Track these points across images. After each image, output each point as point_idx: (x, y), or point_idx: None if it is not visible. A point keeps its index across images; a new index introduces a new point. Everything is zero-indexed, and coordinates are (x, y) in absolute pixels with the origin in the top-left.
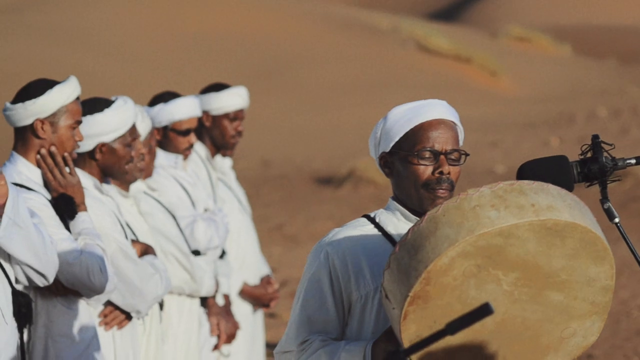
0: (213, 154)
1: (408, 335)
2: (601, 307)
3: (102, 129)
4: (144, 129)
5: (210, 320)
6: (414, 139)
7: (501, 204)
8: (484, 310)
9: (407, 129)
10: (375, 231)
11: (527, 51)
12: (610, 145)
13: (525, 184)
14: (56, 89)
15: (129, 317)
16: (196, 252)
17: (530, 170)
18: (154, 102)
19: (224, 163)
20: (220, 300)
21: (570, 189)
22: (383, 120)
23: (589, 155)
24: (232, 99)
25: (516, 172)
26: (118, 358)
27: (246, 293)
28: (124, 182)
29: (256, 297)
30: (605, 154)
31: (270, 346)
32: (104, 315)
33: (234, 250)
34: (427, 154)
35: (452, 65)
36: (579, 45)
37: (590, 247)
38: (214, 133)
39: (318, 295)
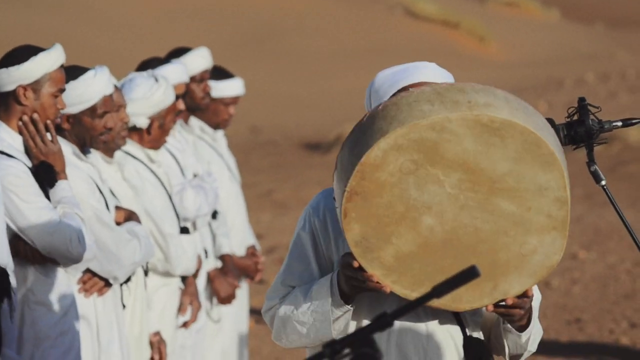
0: (186, 119)
1: (352, 236)
2: (559, 221)
3: (67, 100)
4: (170, 99)
5: (182, 299)
6: None
7: (437, 99)
8: (470, 273)
9: (392, 92)
10: None
11: (515, 16)
12: (597, 107)
13: (469, 84)
14: (40, 55)
15: (108, 283)
16: (184, 230)
17: None
18: (141, 68)
19: (216, 131)
20: (203, 272)
21: None
22: (371, 84)
23: (575, 117)
24: (195, 61)
25: None
26: (100, 325)
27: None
28: (106, 151)
29: (242, 268)
30: (591, 116)
31: (257, 312)
32: (82, 282)
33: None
34: None
35: (440, 30)
36: (567, 10)
37: (534, 151)
38: (185, 98)
39: (301, 257)
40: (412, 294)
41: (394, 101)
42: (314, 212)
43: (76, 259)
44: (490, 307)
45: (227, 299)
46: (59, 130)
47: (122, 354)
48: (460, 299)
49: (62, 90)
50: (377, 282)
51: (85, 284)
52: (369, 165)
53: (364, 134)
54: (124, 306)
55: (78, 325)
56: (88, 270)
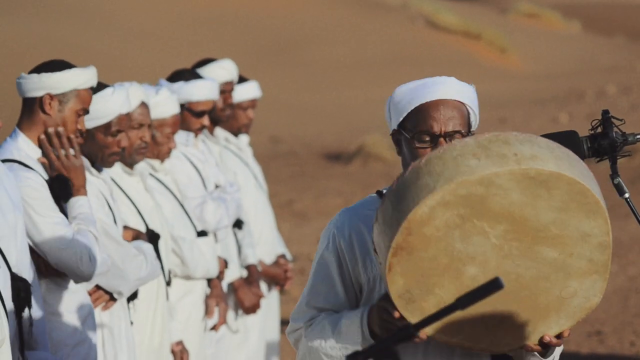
0: (211, 130)
1: (396, 289)
2: (600, 265)
3: None
4: (167, 112)
5: (207, 302)
6: (414, 120)
7: (483, 153)
8: (494, 284)
9: (409, 110)
10: None
11: (536, 28)
12: (621, 120)
13: (512, 135)
14: (74, 70)
15: (112, 298)
16: (201, 233)
17: None
18: (174, 78)
19: (241, 140)
20: (225, 282)
21: None
22: (390, 98)
23: (599, 130)
24: (217, 73)
25: None
26: (106, 338)
27: (261, 272)
28: (127, 164)
29: (271, 276)
30: (615, 129)
31: (282, 323)
32: (88, 294)
33: (250, 227)
34: (426, 137)
35: (461, 41)
36: (589, 22)
37: (580, 200)
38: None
39: (327, 279)
40: (452, 340)
41: (437, 155)
42: (339, 232)
43: (86, 277)
44: (529, 348)
45: (251, 309)
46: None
47: None
48: (499, 343)
49: (86, 112)
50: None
51: (91, 296)
52: (416, 221)
53: (409, 189)
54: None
55: (95, 335)
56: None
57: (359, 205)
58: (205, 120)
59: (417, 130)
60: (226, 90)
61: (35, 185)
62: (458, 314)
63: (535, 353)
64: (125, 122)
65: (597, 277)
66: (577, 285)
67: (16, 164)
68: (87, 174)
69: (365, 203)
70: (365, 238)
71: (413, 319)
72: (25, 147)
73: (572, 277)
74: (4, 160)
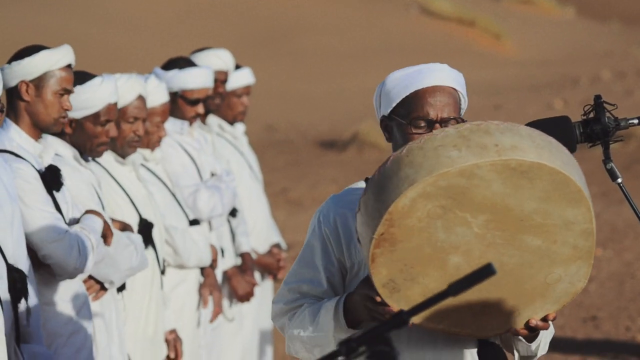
0: (203, 118)
1: (380, 279)
2: (585, 251)
3: (72, 104)
4: (156, 101)
5: (201, 292)
6: (409, 106)
7: (463, 144)
8: (486, 270)
9: (403, 96)
10: None
11: (530, 14)
12: (613, 105)
13: (494, 124)
14: (43, 52)
15: (103, 287)
16: (194, 222)
17: None
18: (168, 66)
19: (237, 128)
20: (219, 271)
21: (572, 149)
22: (381, 84)
23: (591, 115)
24: (210, 60)
25: None
26: (97, 327)
27: (255, 261)
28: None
29: (264, 265)
30: (607, 114)
31: None
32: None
33: (244, 216)
34: (422, 123)
35: (455, 28)
36: (583, 8)
37: (562, 189)
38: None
39: (310, 264)
40: (439, 326)
41: (418, 145)
42: (324, 218)
43: (71, 273)
44: (514, 331)
45: (244, 297)
46: (61, 134)
47: (122, 356)
48: (485, 328)
49: (69, 91)
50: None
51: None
52: (397, 213)
53: (390, 180)
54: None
55: (91, 324)
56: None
57: (346, 191)
58: (200, 109)
59: (413, 116)
60: (218, 79)
61: (27, 177)
62: (447, 306)
63: (521, 337)
64: (113, 111)
65: (581, 263)
66: (561, 271)
67: (8, 154)
68: (76, 164)
69: (352, 189)
70: (349, 224)
71: (398, 307)
72: (17, 137)
73: (556, 263)
74: None
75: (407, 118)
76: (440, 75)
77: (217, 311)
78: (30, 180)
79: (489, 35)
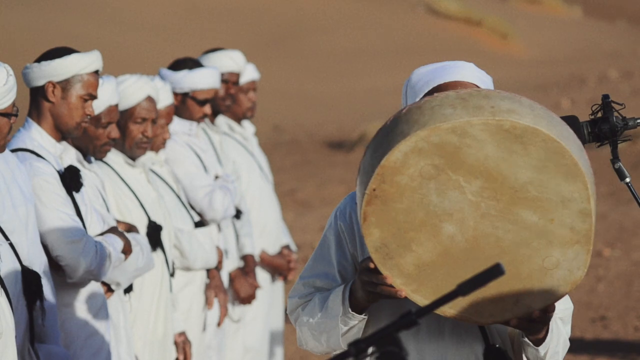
0: (212, 119)
1: (372, 241)
2: (582, 235)
3: None
4: (161, 103)
5: (206, 293)
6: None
7: (460, 104)
8: (495, 270)
9: (427, 90)
10: None
11: (537, 13)
12: (621, 104)
13: (496, 91)
14: (74, 55)
15: (110, 289)
16: (199, 224)
17: None
18: (176, 67)
19: (247, 129)
20: (224, 272)
21: None
22: (408, 80)
23: (599, 115)
24: (222, 61)
25: None
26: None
27: (265, 262)
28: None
29: (275, 266)
30: (615, 113)
31: (286, 312)
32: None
33: (254, 217)
34: None
35: (463, 28)
36: (590, 7)
37: (557, 160)
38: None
39: (325, 259)
40: (450, 311)
41: (417, 105)
42: (341, 214)
43: (81, 276)
44: (515, 322)
45: (246, 299)
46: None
47: (129, 357)
48: (482, 313)
49: (93, 97)
50: (391, 286)
51: None
52: (389, 168)
53: (386, 137)
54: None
55: (108, 327)
56: None
57: None
58: (208, 109)
59: None
60: (230, 80)
61: (46, 177)
62: (436, 275)
63: (530, 342)
64: (114, 113)
65: (579, 249)
66: (559, 255)
67: (29, 154)
68: (79, 166)
69: None
70: None
71: (391, 276)
72: (38, 137)
73: (553, 245)
74: (17, 150)
75: None
76: (463, 71)
77: (224, 313)
78: (50, 180)
79: (496, 34)
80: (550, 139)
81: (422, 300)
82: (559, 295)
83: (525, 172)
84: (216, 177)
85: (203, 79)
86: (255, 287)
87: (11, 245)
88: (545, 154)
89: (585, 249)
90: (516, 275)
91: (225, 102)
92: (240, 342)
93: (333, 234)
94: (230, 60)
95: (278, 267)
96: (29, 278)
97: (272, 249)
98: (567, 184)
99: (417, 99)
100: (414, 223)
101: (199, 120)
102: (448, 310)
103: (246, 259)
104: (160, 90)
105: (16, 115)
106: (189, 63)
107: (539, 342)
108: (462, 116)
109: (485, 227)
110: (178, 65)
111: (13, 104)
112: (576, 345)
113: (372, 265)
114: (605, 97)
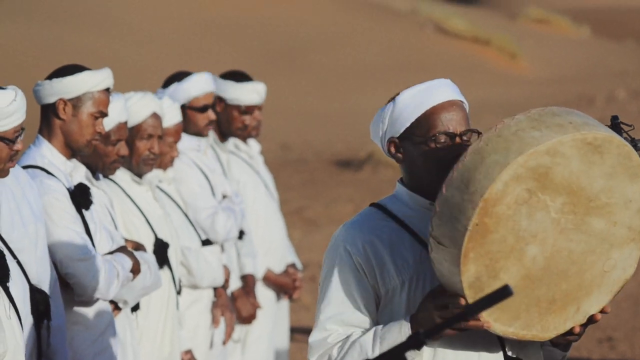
0: (220, 139)
1: (468, 277)
2: (637, 232)
3: None
4: (169, 121)
5: (213, 312)
6: (427, 123)
7: (541, 125)
8: (504, 292)
9: (418, 114)
10: (388, 221)
11: (546, 33)
12: (630, 126)
13: (554, 107)
14: (85, 73)
15: (117, 307)
16: (206, 242)
17: None
18: (167, 83)
19: (253, 147)
20: (230, 290)
21: None
22: (392, 105)
23: None
24: (249, 95)
25: None
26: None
27: (270, 280)
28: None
29: (280, 285)
30: (624, 134)
31: (292, 330)
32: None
33: (260, 236)
34: (442, 138)
35: (471, 47)
36: (598, 27)
37: (626, 163)
38: (222, 119)
39: (346, 296)
40: (509, 330)
41: (495, 134)
42: (353, 248)
43: (91, 295)
44: (578, 329)
45: (247, 319)
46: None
47: None
48: (548, 327)
49: (104, 114)
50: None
51: None
52: (492, 200)
53: (476, 170)
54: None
55: (116, 344)
56: None
57: (362, 219)
58: (211, 115)
59: (433, 133)
60: (248, 112)
61: (57, 195)
62: (516, 300)
63: (555, 348)
64: (124, 130)
65: (633, 246)
66: (617, 256)
67: (39, 171)
68: (88, 184)
69: (366, 216)
70: (379, 250)
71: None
72: (48, 154)
73: (614, 247)
74: (28, 167)
75: (426, 136)
76: (449, 90)
77: (229, 332)
78: (60, 198)
79: (504, 54)
80: (622, 144)
81: (501, 328)
82: (612, 295)
83: (599, 181)
84: (224, 197)
85: (195, 85)
86: (256, 307)
87: (19, 263)
88: (617, 159)
89: (638, 245)
90: (581, 284)
91: (241, 131)
92: None
93: (350, 271)
94: (256, 95)
95: (283, 286)
96: (37, 297)
97: (278, 267)
98: (631, 185)
99: (409, 123)
100: (505, 251)
101: (205, 128)
102: (520, 332)
103: (246, 278)
104: (168, 108)
105: (14, 142)
106: (178, 76)
107: (568, 347)
108: (551, 136)
109: (562, 242)
110: (168, 81)
111: (17, 130)
112: None
113: (463, 302)
114: (615, 118)
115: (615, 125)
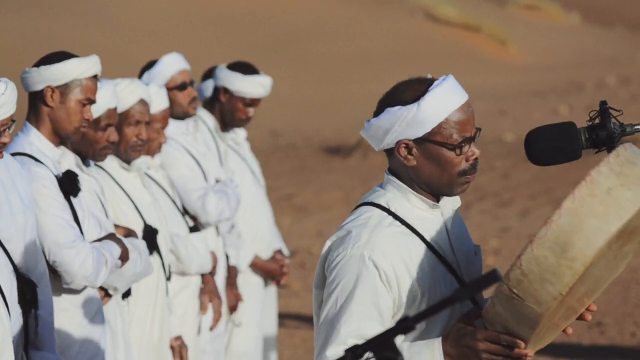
0: (222, 128)
1: (538, 330)
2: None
3: None
4: (156, 107)
5: (201, 298)
6: (449, 127)
7: (628, 181)
8: (492, 277)
9: (448, 112)
10: (399, 227)
11: (536, 20)
12: (619, 111)
13: (625, 149)
14: (73, 60)
15: (108, 294)
16: (193, 228)
17: (539, 137)
18: (140, 75)
19: (239, 134)
20: (220, 276)
21: (578, 155)
22: (408, 107)
23: (597, 121)
24: (255, 88)
25: (524, 139)
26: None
27: (258, 266)
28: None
29: (268, 271)
30: (613, 120)
31: (280, 316)
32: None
33: (247, 222)
34: (464, 143)
35: (461, 34)
36: (588, 13)
37: None
38: (225, 109)
39: (372, 308)
40: (537, 347)
41: (587, 193)
42: (380, 259)
43: (79, 283)
44: (588, 317)
45: (230, 310)
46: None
47: None
48: (560, 327)
49: (92, 101)
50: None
51: None
52: (589, 266)
53: (575, 234)
54: None
55: (104, 331)
56: None
57: (376, 225)
58: (192, 91)
59: (457, 140)
60: (253, 104)
61: (44, 182)
62: (545, 329)
63: None
64: (113, 116)
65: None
66: (623, 265)
67: (27, 158)
68: (78, 171)
69: (378, 221)
70: (400, 260)
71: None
72: (36, 141)
73: (625, 259)
74: (16, 154)
75: (448, 140)
76: (459, 88)
77: (217, 318)
78: (48, 185)
79: (494, 40)
80: None
81: (535, 347)
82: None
83: None
84: (217, 182)
85: (167, 67)
86: (239, 299)
87: (7, 252)
88: None
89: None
90: (591, 297)
91: (243, 122)
92: (232, 347)
93: (374, 283)
94: (262, 89)
95: (271, 272)
96: (24, 286)
97: (265, 253)
98: None
99: (430, 128)
100: (574, 297)
101: (190, 107)
102: (539, 345)
103: (229, 270)
104: (155, 95)
105: (1, 134)
106: (147, 65)
107: None
108: None
109: (606, 276)
110: (140, 73)
111: (5, 122)
112: (573, 351)
113: (522, 346)
114: (603, 103)
115: (604, 110)
